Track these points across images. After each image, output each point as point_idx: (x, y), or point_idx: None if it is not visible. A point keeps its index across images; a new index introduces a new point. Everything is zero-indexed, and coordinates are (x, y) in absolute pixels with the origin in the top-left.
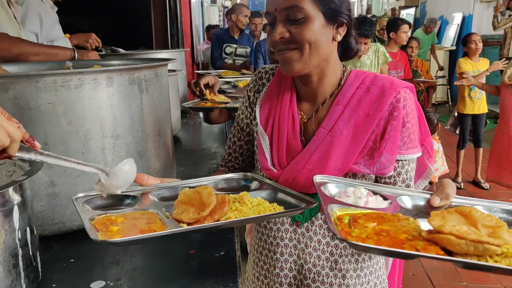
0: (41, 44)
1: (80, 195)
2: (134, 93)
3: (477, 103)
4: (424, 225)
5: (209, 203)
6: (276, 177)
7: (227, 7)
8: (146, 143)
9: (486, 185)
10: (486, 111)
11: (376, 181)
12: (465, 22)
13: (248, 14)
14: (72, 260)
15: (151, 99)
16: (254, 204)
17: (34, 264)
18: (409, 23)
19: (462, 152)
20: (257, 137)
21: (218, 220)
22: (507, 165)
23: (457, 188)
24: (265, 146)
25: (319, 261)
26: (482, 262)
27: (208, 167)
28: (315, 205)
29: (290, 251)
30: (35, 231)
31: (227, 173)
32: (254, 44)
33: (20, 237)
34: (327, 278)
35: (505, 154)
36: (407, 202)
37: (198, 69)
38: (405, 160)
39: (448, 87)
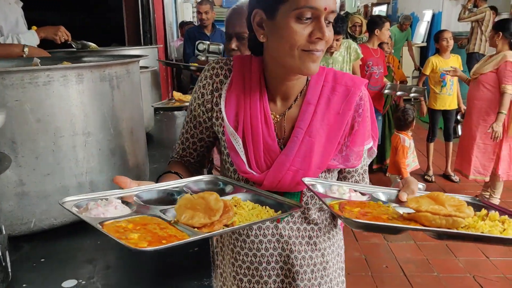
0: None
1: (68, 199)
2: (105, 90)
3: (448, 99)
4: (401, 210)
5: (218, 208)
6: (258, 180)
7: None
8: (118, 141)
9: (456, 178)
10: (456, 107)
11: (340, 173)
12: (435, 19)
13: (202, 10)
14: (42, 260)
15: (122, 96)
16: (249, 207)
17: (4, 264)
18: (390, 20)
19: (432, 145)
20: (226, 138)
21: (226, 225)
22: (466, 156)
23: (428, 181)
24: (238, 148)
25: (301, 246)
26: (454, 230)
27: None
28: (301, 208)
29: (274, 245)
30: (3, 231)
31: (183, 165)
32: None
33: None
34: (311, 260)
35: (465, 146)
36: (382, 196)
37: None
38: (364, 150)
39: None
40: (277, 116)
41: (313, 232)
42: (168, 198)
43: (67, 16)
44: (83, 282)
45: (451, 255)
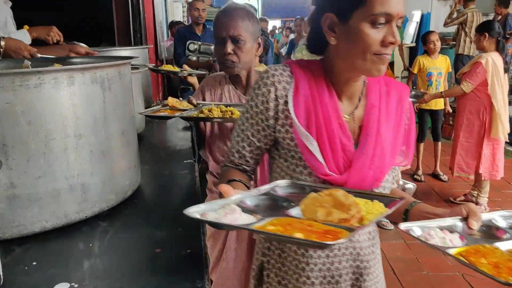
0: None
1: (191, 209)
2: (96, 92)
3: (435, 99)
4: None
5: (350, 203)
6: (340, 181)
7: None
8: (110, 143)
9: (444, 177)
10: (443, 107)
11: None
12: (424, 19)
13: (200, 7)
14: (34, 263)
15: (114, 98)
16: (362, 203)
17: None
18: None
19: (422, 145)
20: (298, 143)
21: (362, 219)
22: (452, 154)
23: (418, 180)
24: (314, 151)
25: (368, 249)
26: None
27: (174, 164)
28: (402, 200)
29: (347, 257)
30: None
31: (241, 173)
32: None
33: None
34: (375, 258)
35: (453, 144)
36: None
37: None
38: None
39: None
40: (346, 116)
41: (374, 232)
42: (271, 203)
43: (56, 16)
44: (76, 286)
45: (441, 254)
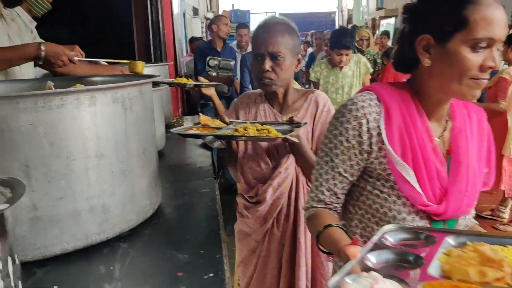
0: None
1: (333, 280)
2: (117, 111)
3: None
4: None
5: (500, 259)
6: (437, 211)
7: (209, 19)
8: (131, 162)
9: None
10: None
11: None
12: None
13: (228, 22)
14: (55, 287)
15: (135, 117)
16: (506, 253)
17: None
18: None
19: None
20: (394, 173)
21: None
22: None
23: None
24: (412, 180)
25: None
26: None
27: (194, 182)
28: None
29: None
30: (17, 261)
31: (333, 215)
32: (240, 57)
33: (1, 268)
34: None
35: None
36: None
37: None
38: None
39: None
40: (437, 139)
41: None
42: (396, 257)
43: (77, 32)
44: None
45: None
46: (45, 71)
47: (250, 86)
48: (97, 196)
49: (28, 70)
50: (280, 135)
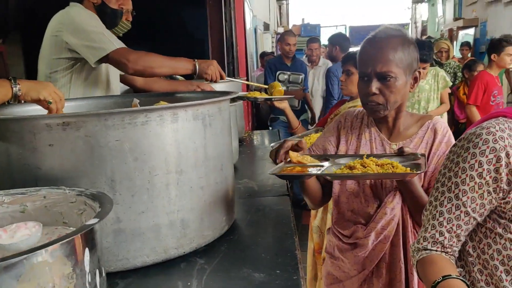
0: (163, 56)
1: None
2: (198, 128)
3: None
4: None
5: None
6: None
7: (279, 33)
8: (209, 178)
9: None
10: None
11: None
12: None
13: (291, 42)
14: None
15: (214, 134)
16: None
17: None
18: None
19: None
20: None
21: None
22: None
23: None
24: None
25: None
26: None
27: (268, 198)
28: None
29: None
30: (103, 273)
31: (449, 258)
32: (326, 69)
33: (90, 280)
34: None
35: None
36: None
37: None
38: None
39: None
40: None
41: None
42: None
43: (152, 48)
44: None
45: None
46: (126, 87)
47: (337, 98)
48: (176, 211)
49: (117, 88)
50: (408, 170)
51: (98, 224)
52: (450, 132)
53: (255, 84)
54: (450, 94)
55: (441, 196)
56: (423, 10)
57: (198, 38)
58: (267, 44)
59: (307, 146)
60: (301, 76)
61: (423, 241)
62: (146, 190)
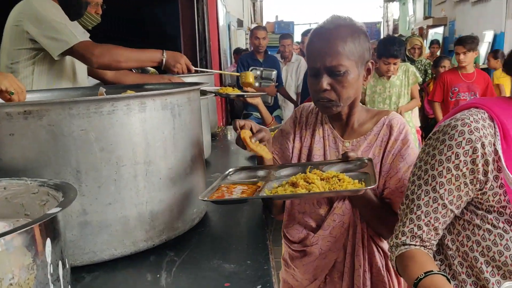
0: (129, 49)
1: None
2: (166, 118)
3: None
4: None
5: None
6: None
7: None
8: (179, 169)
9: None
10: None
11: None
12: (497, 40)
13: (260, 36)
14: None
15: (183, 124)
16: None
17: None
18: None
19: None
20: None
21: None
22: None
23: None
24: None
25: None
26: None
27: None
28: None
29: None
30: (67, 265)
31: (428, 252)
32: (300, 66)
33: (52, 271)
34: None
35: None
36: None
37: None
38: None
39: None
40: None
41: None
42: None
43: (125, 44)
44: None
45: None
46: (96, 81)
47: None
48: (145, 203)
49: (84, 80)
50: (357, 185)
51: (62, 216)
52: (407, 128)
53: (226, 72)
54: (420, 90)
55: (418, 190)
56: (394, 9)
57: (170, 34)
58: (241, 41)
59: (270, 136)
60: (273, 72)
61: (402, 236)
62: (113, 181)
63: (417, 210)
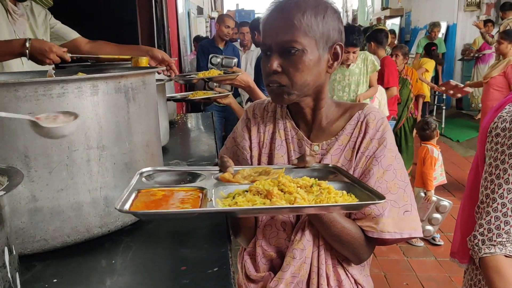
0: None
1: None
2: (120, 102)
3: None
4: None
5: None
6: None
7: (213, 18)
8: (134, 154)
9: None
10: None
11: None
12: (450, 31)
13: (231, 25)
14: (55, 280)
15: (138, 108)
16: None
17: (14, 286)
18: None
19: None
20: None
21: None
22: None
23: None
24: None
25: None
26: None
27: None
28: None
29: None
30: (14, 251)
31: None
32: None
33: None
34: None
35: None
36: None
37: None
38: None
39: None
40: None
41: None
42: None
43: (81, 32)
44: None
45: None
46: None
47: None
48: (99, 188)
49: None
50: (349, 198)
51: (10, 201)
52: (385, 125)
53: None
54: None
55: (499, 188)
56: None
57: (127, 20)
58: (201, 28)
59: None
60: (234, 60)
61: (488, 233)
62: (65, 167)
63: (502, 208)
